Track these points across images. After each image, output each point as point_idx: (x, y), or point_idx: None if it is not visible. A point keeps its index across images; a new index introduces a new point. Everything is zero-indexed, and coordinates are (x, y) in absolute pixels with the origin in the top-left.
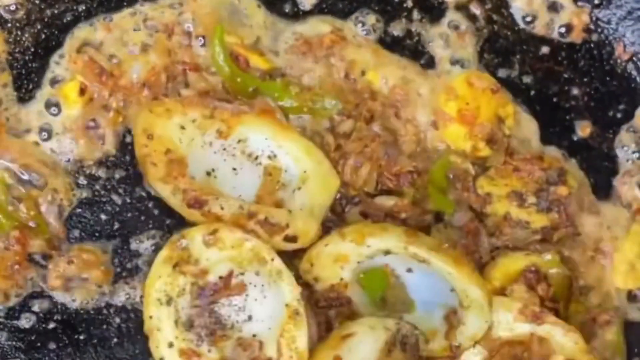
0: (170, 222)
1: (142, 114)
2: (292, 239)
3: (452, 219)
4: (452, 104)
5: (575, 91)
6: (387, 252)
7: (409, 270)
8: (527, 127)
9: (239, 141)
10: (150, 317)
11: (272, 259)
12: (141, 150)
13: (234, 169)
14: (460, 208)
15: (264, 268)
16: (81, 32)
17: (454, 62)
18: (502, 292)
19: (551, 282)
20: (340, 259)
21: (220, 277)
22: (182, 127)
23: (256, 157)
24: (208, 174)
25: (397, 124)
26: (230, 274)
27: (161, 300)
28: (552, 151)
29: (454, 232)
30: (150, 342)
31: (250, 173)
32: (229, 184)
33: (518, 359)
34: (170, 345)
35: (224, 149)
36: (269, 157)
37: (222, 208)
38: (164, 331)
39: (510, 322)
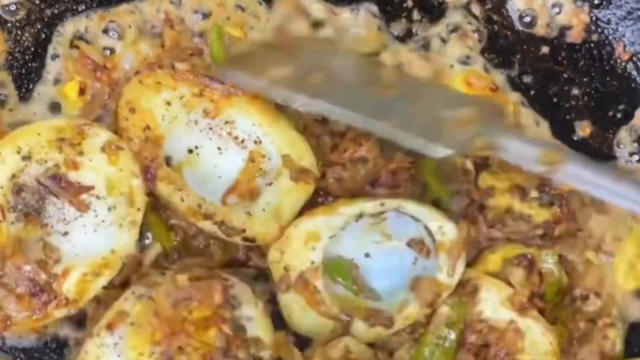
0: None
1: (131, 84)
2: (250, 239)
3: (449, 206)
4: None
5: (575, 91)
6: (360, 216)
7: (367, 255)
8: (533, 124)
9: (226, 122)
10: None
11: (138, 210)
12: (121, 123)
13: (219, 148)
14: (458, 197)
15: (122, 209)
16: (73, 26)
17: (453, 61)
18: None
19: (544, 278)
20: (311, 238)
21: (79, 184)
22: (168, 103)
23: (242, 141)
24: (190, 151)
25: None
26: (88, 188)
27: (21, 150)
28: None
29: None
30: None
31: (235, 155)
32: (212, 162)
33: (485, 344)
34: None
35: (210, 128)
36: (255, 142)
37: (182, 200)
38: None
39: (496, 305)
